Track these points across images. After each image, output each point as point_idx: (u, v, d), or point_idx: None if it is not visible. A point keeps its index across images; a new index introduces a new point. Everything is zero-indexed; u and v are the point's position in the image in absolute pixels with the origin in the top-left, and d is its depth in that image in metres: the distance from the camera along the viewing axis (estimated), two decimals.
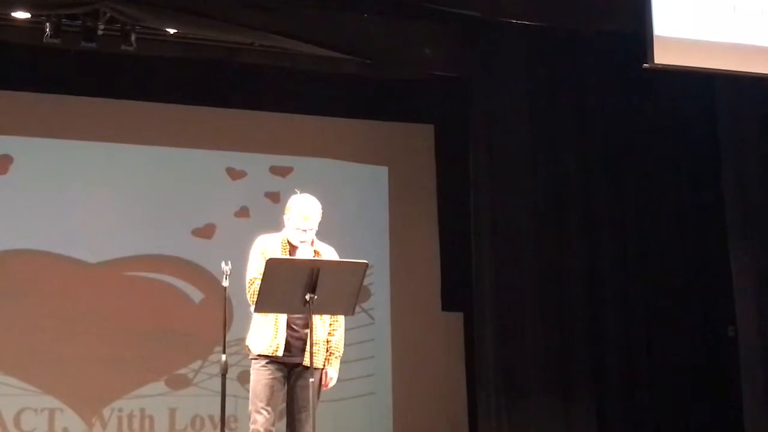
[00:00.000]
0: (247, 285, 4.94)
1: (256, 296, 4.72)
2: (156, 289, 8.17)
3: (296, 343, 4.96)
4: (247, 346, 5.08)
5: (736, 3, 6.65)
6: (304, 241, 4.99)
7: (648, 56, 6.45)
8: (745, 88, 7.33)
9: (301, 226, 4.98)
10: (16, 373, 7.73)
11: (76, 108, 8.14)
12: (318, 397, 4.93)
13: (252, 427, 4.94)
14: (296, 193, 5.12)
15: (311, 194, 5.11)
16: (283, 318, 4.96)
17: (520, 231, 7.75)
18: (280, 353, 4.95)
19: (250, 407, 4.97)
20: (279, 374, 4.97)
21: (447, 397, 8.54)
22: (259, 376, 4.98)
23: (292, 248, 5.03)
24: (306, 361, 4.86)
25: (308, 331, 4.77)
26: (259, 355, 4.99)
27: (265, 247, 5.01)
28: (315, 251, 5.05)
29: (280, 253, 4.99)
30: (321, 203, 5.09)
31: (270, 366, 4.97)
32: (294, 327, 4.97)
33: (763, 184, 7.40)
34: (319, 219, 5.05)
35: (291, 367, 5.00)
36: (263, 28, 7.24)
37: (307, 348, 4.82)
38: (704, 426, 7.92)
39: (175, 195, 8.32)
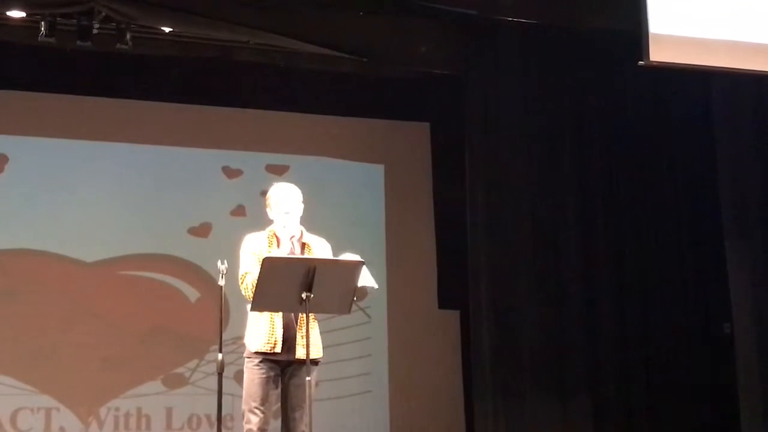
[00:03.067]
0: (240, 280, 4.98)
1: (250, 289, 4.77)
2: (152, 288, 8.16)
3: (290, 339, 4.97)
4: (245, 344, 5.09)
5: (732, 0, 6.65)
6: (286, 227, 5.02)
7: (644, 53, 6.44)
8: (741, 85, 7.33)
9: (282, 209, 5.03)
10: (12, 373, 7.72)
11: (71, 107, 8.14)
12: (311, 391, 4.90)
13: (246, 427, 4.94)
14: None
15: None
16: (278, 314, 4.97)
17: (516, 228, 7.75)
18: (278, 349, 4.95)
19: (244, 407, 4.97)
20: (272, 373, 4.98)
21: (444, 395, 8.54)
22: (253, 375, 4.99)
23: (279, 241, 5.07)
24: (299, 355, 4.89)
25: (302, 326, 4.80)
26: (255, 353, 4.99)
27: (254, 244, 5.05)
28: (304, 243, 5.08)
29: (267, 247, 5.02)
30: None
31: (263, 365, 4.97)
32: (289, 323, 4.98)
33: (759, 182, 7.40)
34: (299, 201, 5.10)
35: (284, 366, 5.00)
36: (259, 26, 7.23)
37: (300, 342, 4.86)
38: (701, 424, 7.92)
39: (171, 194, 8.31)
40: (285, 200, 5.07)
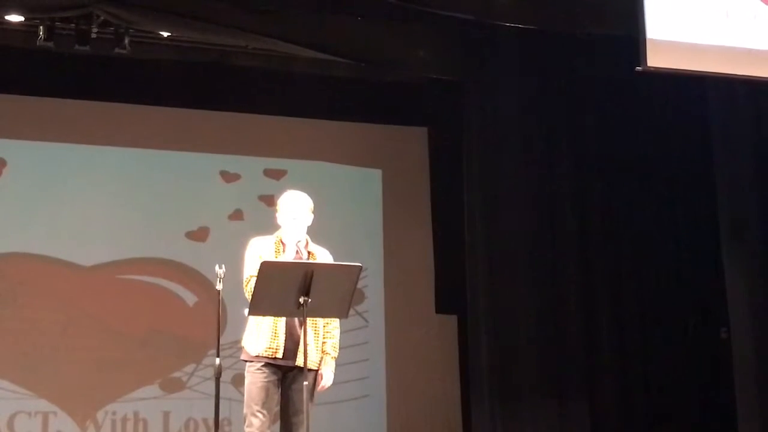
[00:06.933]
0: (244, 283, 4.97)
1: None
2: (150, 292, 8.17)
3: (293, 345, 4.96)
4: (243, 347, 5.08)
5: (729, 7, 6.66)
6: (293, 233, 5.01)
7: (641, 59, 6.45)
8: (738, 91, 7.34)
9: (290, 215, 5.04)
10: (10, 377, 7.72)
11: (69, 111, 8.14)
12: (312, 400, 4.95)
13: (247, 430, 4.92)
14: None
15: None
16: (281, 319, 4.96)
17: (513, 233, 7.75)
18: (279, 355, 4.95)
19: (245, 410, 4.96)
20: (274, 377, 4.98)
21: (441, 399, 8.55)
22: (255, 378, 4.98)
23: (285, 247, 5.06)
24: (299, 362, 4.88)
25: (302, 333, 4.78)
26: (256, 357, 4.99)
27: (260, 248, 5.04)
28: (309, 252, 5.08)
29: (274, 252, 5.01)
30: (315, 206, 5.13)
31: (265, 369, 4.97)
32: (292, 329, 4.97)
33: (756, 187, 7.40)
34: (309, 209, 5.11)
35: (285, 371, 5.00)
36: (256, 30, 7.23)
37: (301, 349, 4.84)
38: (698, 428, 7.93)
39: (169, 198, 8.33)
40: (293, 206, 5.07)
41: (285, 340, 4.95)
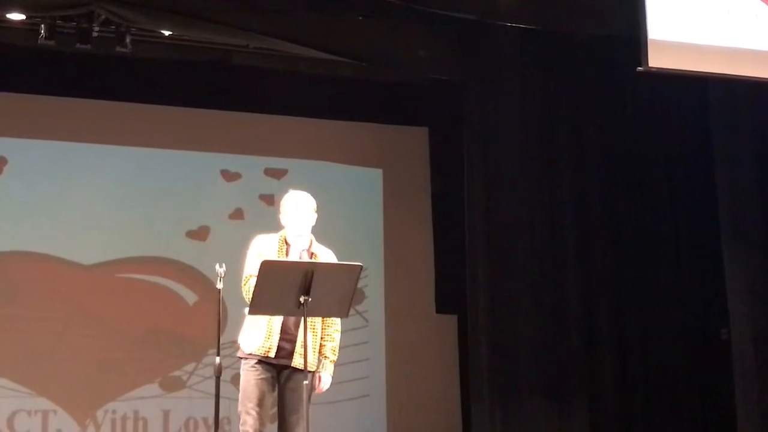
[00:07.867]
0: (243, 281, 4.96)
1: (251, 293, 4.73)
2: (150, 291, 8.17)
3: (288, 345, 4.95)
4: (239, 344, 5.08)
5: (730, 7, 6.67)
6: (300, 235, 5.00)
7: (642, 59, 6.47)
8: (739, 92, 7.34)
9: (293, 215, 5.02)
10: (10, 375, 7.72)
11: (70, 109, 8.15)
12: (309, 400, 4.93)
13: (242, 428, 4.92)
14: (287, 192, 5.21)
15: None
16: (278, 319, 4.95)
17: (514, 233, 7.76)
18: (272, 354, 4.94)
19: (240, 408, 4.95)
20: (268, 375, 4.96)
21: (441, 399, 8.55)
22: (249, 376, 4.96)
23: (288, 248, 5.05)
24: (295, 363, 4.88)
25: (301, 333, 4.78)
26: (250, 354, 4.98)
27: (263, 246, 5.03)
28: (312, 253, 5.07)
29: (277, 251, 5.00)
30: (315, 206, 5.12)
31: (259, 367, 4.95)
32: (288, 329, 4.97)
33: (757, 187, 7.41)
34: (313, 210, 5.08)
35: (280, 369, 4.99)
36: (258, 30, 7.24)
37: (298, 350, 4.84)
38: (698, 428, 7.93)
39: (169, 197, 8.32)
40: (296, 206, 5.05)
41: (279, 339, 4.94)
